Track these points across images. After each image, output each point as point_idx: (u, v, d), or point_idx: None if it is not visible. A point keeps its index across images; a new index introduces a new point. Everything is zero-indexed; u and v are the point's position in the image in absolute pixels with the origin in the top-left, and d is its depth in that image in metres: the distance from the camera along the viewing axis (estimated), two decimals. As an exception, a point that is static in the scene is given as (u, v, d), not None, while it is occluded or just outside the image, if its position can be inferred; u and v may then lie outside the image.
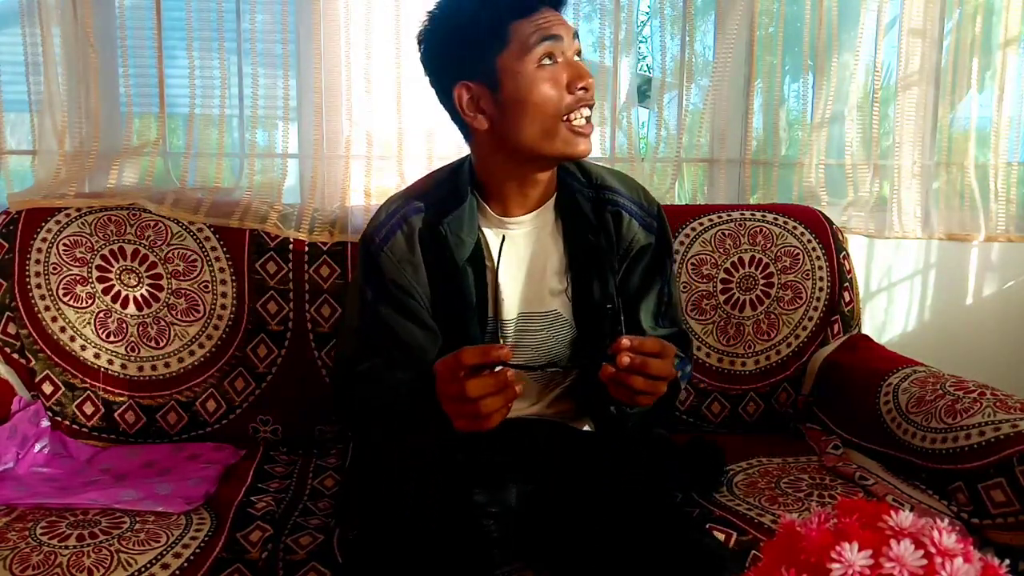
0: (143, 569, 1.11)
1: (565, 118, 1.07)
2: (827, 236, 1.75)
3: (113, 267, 1.58)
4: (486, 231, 1.16)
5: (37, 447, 1.44)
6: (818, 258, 1.73)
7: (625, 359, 0.93)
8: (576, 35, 1.10)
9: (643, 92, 2.07)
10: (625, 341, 0.94)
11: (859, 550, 0.50)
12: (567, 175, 1.19)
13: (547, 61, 1.06)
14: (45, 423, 1.50)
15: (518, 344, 1.17)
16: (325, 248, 1.64)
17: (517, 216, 1.16)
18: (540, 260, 1.18)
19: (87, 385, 1.55)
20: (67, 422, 1.54)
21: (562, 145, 1.08)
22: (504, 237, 1.16)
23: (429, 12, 1.12)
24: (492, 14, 1.05)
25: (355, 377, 1.15)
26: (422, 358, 1.11)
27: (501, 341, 1.16)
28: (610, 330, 1.13)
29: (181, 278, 1.59)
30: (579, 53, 1.11)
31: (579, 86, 1.07)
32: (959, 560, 0.50)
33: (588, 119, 1.09)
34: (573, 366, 1.18)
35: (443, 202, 1.14)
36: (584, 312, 1.18)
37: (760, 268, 1.72)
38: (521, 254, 1.18)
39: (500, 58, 1.06)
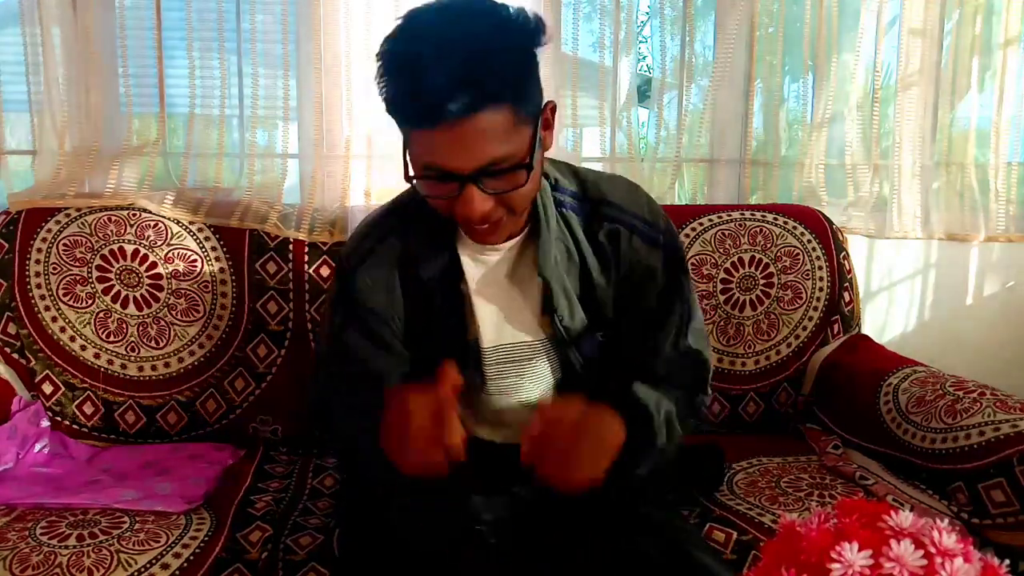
0: (143, 569, 1.11)
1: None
2: (827, 236, 1.75)
3: (113, 267, 1.58)
4: (463, 255, 1.09)
5: (37, 447, 1.44)
6: (818, 258, 1.73)
7: (534, 426, 0.90)
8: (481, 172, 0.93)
9: (643, 92, 2.07)
10: (545, 407, 0.92)
11: (859, 550, 0.50)
12: (559, 191, 1.10)
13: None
14: (45, 423, 1.50)
15: (503, 375, 1.11)
16: (325, 248, 1.64)
17: (492, 244, 1.08)
18: (519, 288, 1.10)
19: (87, 385, 1.55)
20: (67, 422, 1.54)
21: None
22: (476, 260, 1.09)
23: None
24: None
25: (323, 400, 1.12)
26: (385, 385, 1.06)
27: (484, 369, 1.10)
28: (598, 361, 1.09)
29: (181, 278, 1.59)
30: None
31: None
32: (959, 560, 0.50)
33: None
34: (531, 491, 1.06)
35: (420, 222, 1.07)
36: (566, 345, 1.10)
37: (760, 268, 1.72)
38: (500, 281, 1.10)
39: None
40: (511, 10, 0.93)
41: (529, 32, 0.93)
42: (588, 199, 1.10)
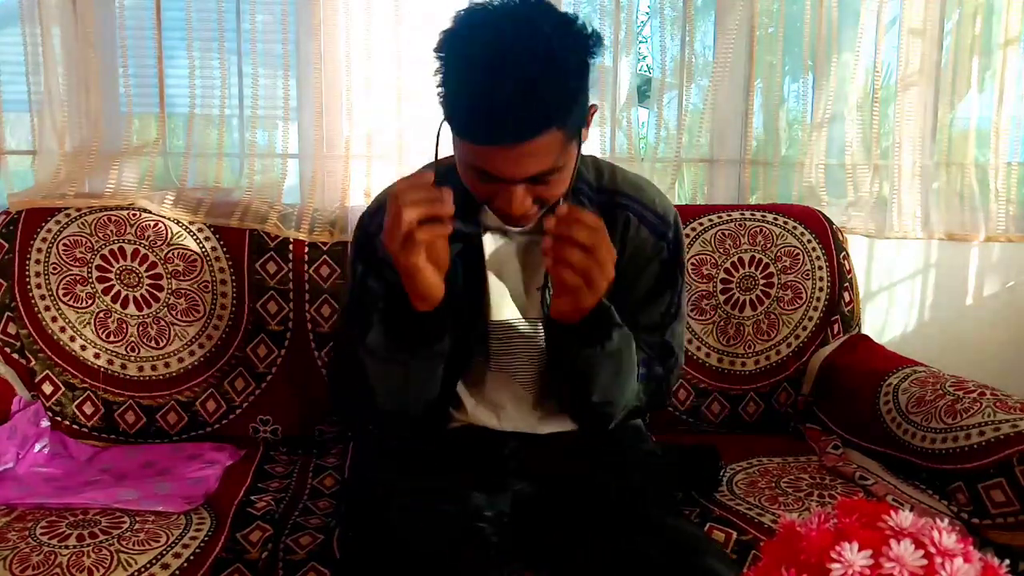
0: (143, 569, 1.11)
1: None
2: (827, 236, 1.75)
3: (113, 267, 1.58)
4: (486, 231, 1.12)
5: (37, 447, 1.44)
6: (818, 258, 1.73)
7: (551, 222, 0.91)
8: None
9: (643, 92, 2.07)
10: (563, 208, 0.93)
11: (859, 550, 0.50)
12: (579, 180, 1.11)
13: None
14: (45, 423, 1.50)
15: (507, 351, 1.14)
16: (325, 248, 1.64)
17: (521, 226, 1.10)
18: (529, 267, 1.13)
19: (87, 385, 1.55)
20: (67, 422, 1.54)
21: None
22: (491, 234, 1.12)
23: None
24: None
25: (343, 347, 1.14)
26: None
27: (491, 343, 1.13)
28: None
29: (181, 278, 1.59)
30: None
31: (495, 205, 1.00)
32: (959, 560, 0.50)
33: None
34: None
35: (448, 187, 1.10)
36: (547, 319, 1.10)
37: (760, 268, 1.72)
38: (512, 259, 1.13)
39: None
40: (573, 21, 0.93)
41: (588, 46, 0.94)
42: (604, 189, 1.14)
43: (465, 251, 1.10)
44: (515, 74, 0.88)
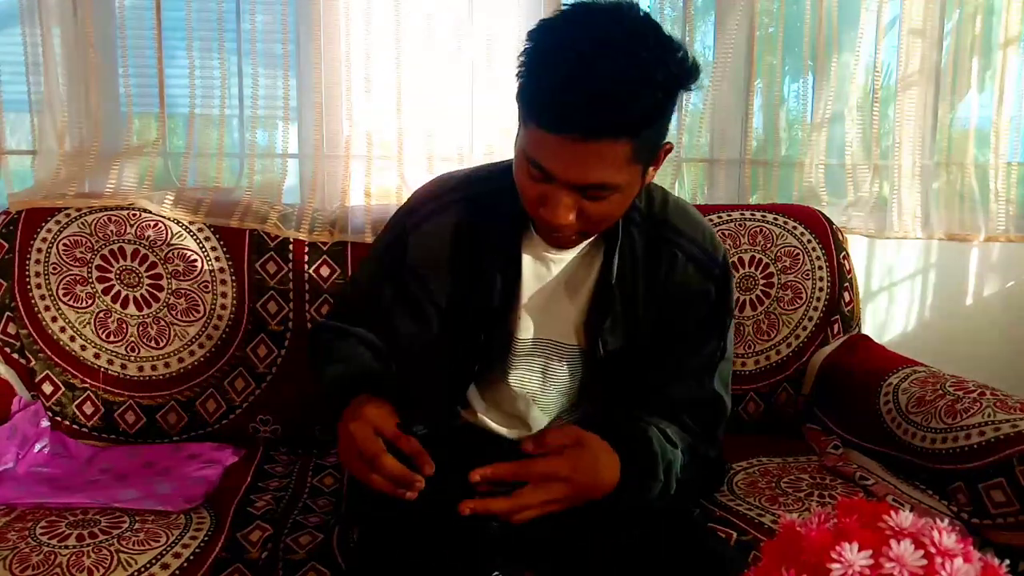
0: (143, 569, 1.11)
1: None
2: (827, 236, 1.75)
3: (113, 267, 1.58)
4: (525, 254, 1.08)
5: (37, 447, 1.44)
6: (818, 258, 1.73)
7: (476, 476, 0.91)
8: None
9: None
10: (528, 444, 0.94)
11: (859, 550, 0.50)
12: (631, 207, 1.06)
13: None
14: (45, 423, 1.50)
15: (528, 369, 1.12)
16: (325, 248, 1.64)
17: (560, 248, 1.07)
18: (570, 290, 1.10)
19: (87, 385, 1.55)
20: (67, 422, 1.54)
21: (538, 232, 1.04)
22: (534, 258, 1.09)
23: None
24: None
25: (332, 322, 1.17)
26: (394, 345, 1.12)
27: (511, 359, 1.12)
28: (625, 377, 1.08)
29: (181, 278, 1.59)
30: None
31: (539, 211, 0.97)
32: (959, 560, 0.50)
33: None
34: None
35: (494, 204, 1.06)
36: (597, 354, 1.09)
37: (760, 268, 1.72)
38: (555, 279, 1.09)
39: None
40: (676, 44, 0.90)
41: (684, 75, 0.90)
42: (653, 218, 1.09)
43: (505, 274, 1.07)
44: (603, 69, 0.84)
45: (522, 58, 0.90)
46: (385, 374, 1.09)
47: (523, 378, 1.13)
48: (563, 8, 0.92)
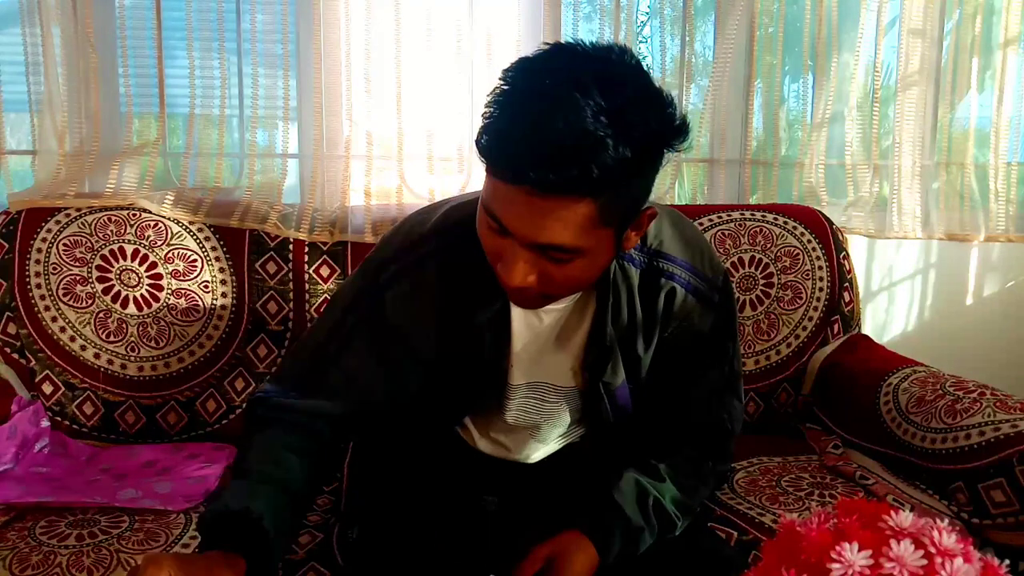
0: (143, 569, 1.11)
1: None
2: (827, 236, 1.75)
3: (113, 267, 1.58)
4: (513, 305, 1.00)
5: (37, 447, 1.44)
6: (818, 258, 1.73)
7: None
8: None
9: (643, 92, 2.06)
10: None
11: (859, 550, 0.50)
12: None
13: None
14: (45, 423, 1.50)
15: (524, 408, 1.07)
16: (325, 248, 1.64)
17: (525, 308, 0.99)
18: (563, 338, 1.03)
19: (87, 385, 1.55)
20: (67, 422, 1.54)
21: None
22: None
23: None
24: None
25: (274, 398, 0.99)
26: (362, 402, 1.01)
27: (505, 402, 1.06)
28: (628, 413, 1.05)
29: (181, 278, 1.59)
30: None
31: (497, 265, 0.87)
32: (959, 560, 0.50)
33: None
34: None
35: (472, 252, 0.92)
36: (594, 395, 1.04)
37: (760, 268, 1.72)
38: (547, 328, 1.02)
39: None
40: (664, 99, 0.83)
41: (668, 132, 0.83)
42: (647, 248, 1.01)
43: (493, 325, 0.99)
44: (566, 119, 0.75)
45: (489, 97, 0.81)
46: (277, 515, 0.89)
47: (519, 417, 1.08)
48: (545, 47, 0.83)
